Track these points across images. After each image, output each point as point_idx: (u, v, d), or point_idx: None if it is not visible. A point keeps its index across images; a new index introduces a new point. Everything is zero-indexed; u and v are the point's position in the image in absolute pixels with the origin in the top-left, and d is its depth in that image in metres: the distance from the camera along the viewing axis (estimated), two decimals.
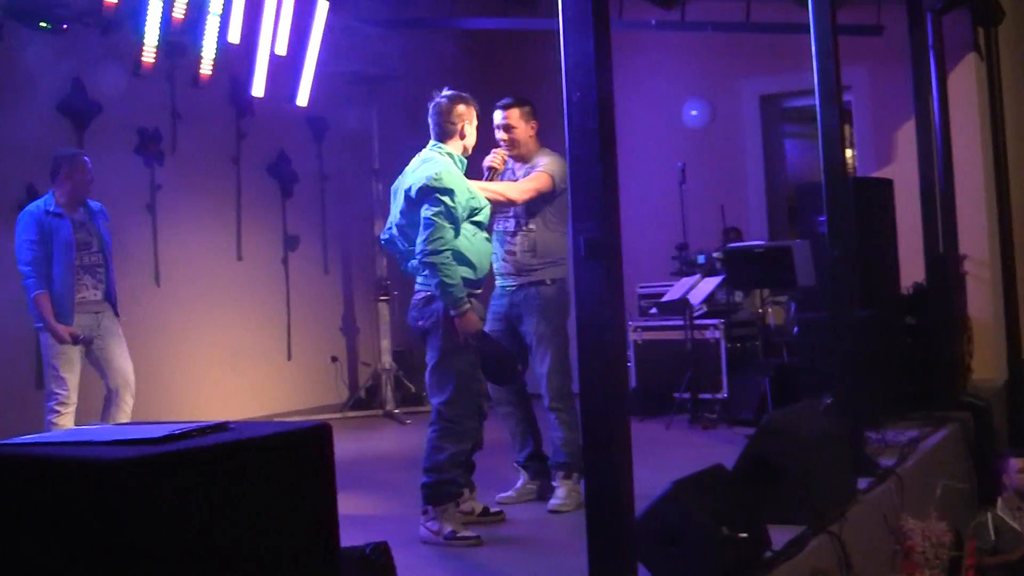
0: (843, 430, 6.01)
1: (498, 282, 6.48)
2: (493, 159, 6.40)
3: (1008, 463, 8.09)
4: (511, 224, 6.41)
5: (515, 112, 6.48)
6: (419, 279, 5.79)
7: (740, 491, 4.90)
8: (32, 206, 7.21)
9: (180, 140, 9.84)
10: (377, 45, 11.35)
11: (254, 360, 10.60)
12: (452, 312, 5.55)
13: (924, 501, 6.83)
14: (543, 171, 6.33)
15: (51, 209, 7.14)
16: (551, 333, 6.30)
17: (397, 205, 5.88)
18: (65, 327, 7.02)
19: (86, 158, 7.45)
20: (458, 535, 5.46)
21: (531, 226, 6.35)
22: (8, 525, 2.56)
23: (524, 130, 6.47)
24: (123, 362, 7.39)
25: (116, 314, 7.44)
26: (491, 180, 6.31)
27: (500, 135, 6.49)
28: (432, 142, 5.89)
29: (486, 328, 6.00)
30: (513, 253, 6.38)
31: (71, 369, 7.12)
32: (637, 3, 11.30)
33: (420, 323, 5.72)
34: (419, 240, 5.60)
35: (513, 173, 6.51)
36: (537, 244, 6.34)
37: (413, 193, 5.64)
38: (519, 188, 6.30)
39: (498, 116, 6.51)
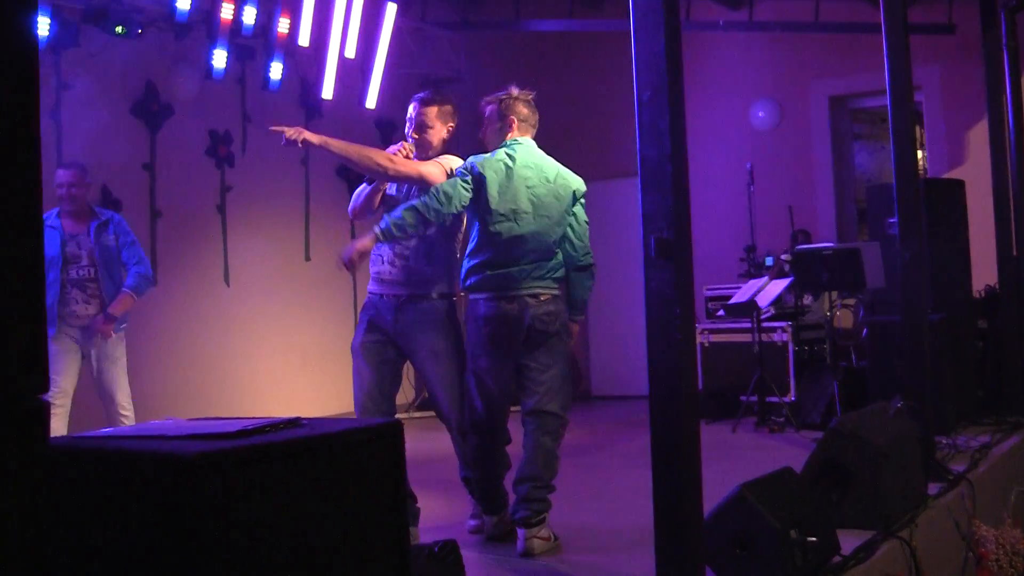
0: (914, 434, 5.94)
1: (376, 289, 5.59)
2: (399, 152, 5.54)
3: None
4: None
5: (433, 110, 5.68)
6: (543, 281, 5.36)
7: (809, 495, 4.86)
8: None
9: (250, 142, 9.96)
10: (444, 47, 11.41)
11: (322, 359, 10.68)
12: (577, 317, 5.49)
13: (997, 508, 6.73)
14: (439, 161, 5.58)
15: (48, 221, 7.02)
16: (452, 351, 5.53)
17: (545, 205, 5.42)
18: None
19: (60, 170, 7.20)
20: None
21: (431, 230, 5.38)
22: (83, 518, 2.59)
23: (438, 131, 5.69)
24: (113, 389, 7.19)
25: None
26: None
27: (410, 132, 5.67)
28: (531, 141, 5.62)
29: (361, 340, 5.62)
30: (406, 258, 5.46)
31: (59, 371, 6.95)
32: (705, 4, 11.26)
33: (546, 327, 5.32)
34: (583, 243, 5.49)
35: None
36: (433, 250, 5.48)
37: (580, 196, 5.52)
38: (393, 158, 5.46)
39: (411, 109, 5.69)
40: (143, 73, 9.04)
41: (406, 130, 5.74)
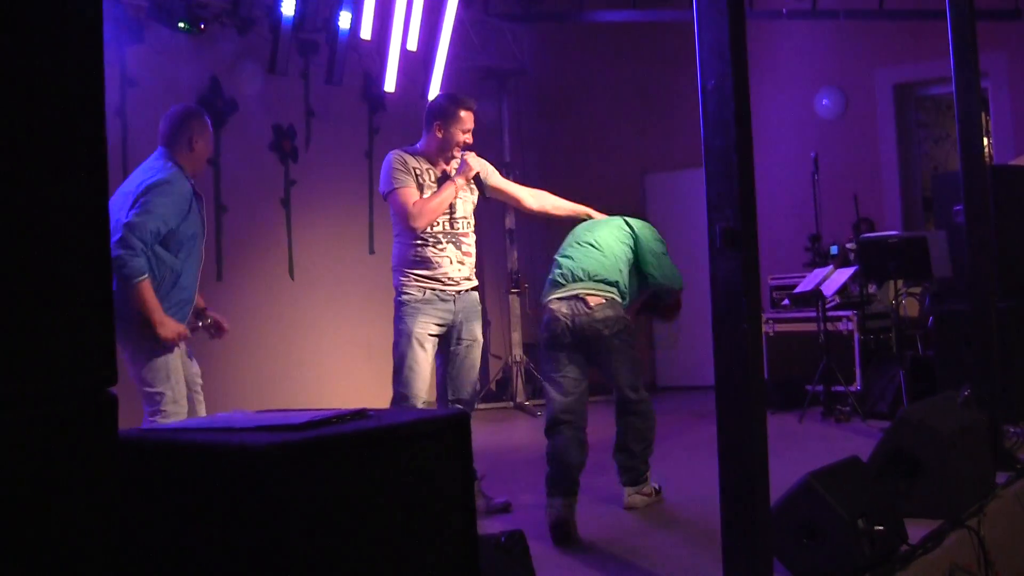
0: (982, 423, 5.89)
1: (444, 288, 6.10)
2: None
3: None
4: (466, 225, 6.18)
5: None
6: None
7: (876, 484, 4.83)
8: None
9: (314, 136, 10.03)
10: (507, 39, 11.43)
11: (386, 353, 10.72)
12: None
13: None
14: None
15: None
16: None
17: None
18: None
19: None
20: None
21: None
22: (153, 511, 2.62)
23: None
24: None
25: None
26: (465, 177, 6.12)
27: (467, 139, 6.18)
28: None
29: (431, 335, 6.16)
30: (471, 255, 6.18)
31: None
32: None
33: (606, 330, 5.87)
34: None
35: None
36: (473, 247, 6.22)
37: None
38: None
39: (471, 120, 6.17)
40: (207, 69, 9.13)
41: (461, 138, 6.11)
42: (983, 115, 10.25)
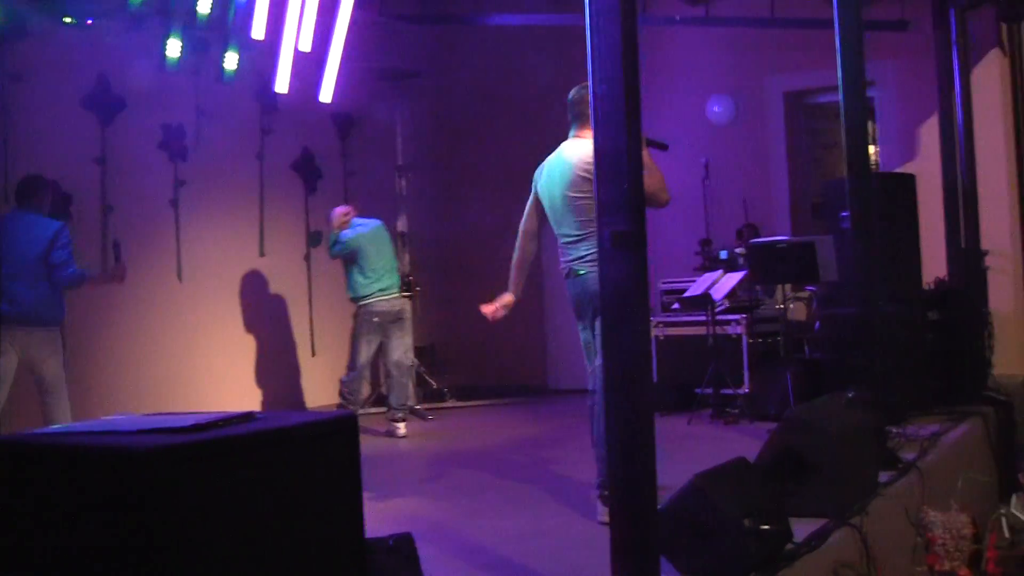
0: (866, 424, 6.00)
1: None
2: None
3: None
4: None
5: None
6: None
7: (763, 483, 4.90)
8: None
9: (204, 136, 9.89)
10: (403, 41, 11.39)
11: (277, 356, 10.66)
12: None
13: (946, 494, 6.82)
14: None
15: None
16: None
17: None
18: None
19: None
20: None
21: None
22: (38, 514, 2.58)
23: None
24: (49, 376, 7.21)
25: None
26: None
27: None
28: None
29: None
30: None
31: None
32: None
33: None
34: None
35: None
36: None
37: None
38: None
39: None
40: (95, 64, 8.97)
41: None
42: (869, 123, 10.47)
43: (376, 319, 9.43)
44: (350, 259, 9.42)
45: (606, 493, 5.41)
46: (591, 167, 5.35)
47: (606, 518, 5.69)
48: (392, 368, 9.59)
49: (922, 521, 6.28)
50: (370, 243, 9.47)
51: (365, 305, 9.40)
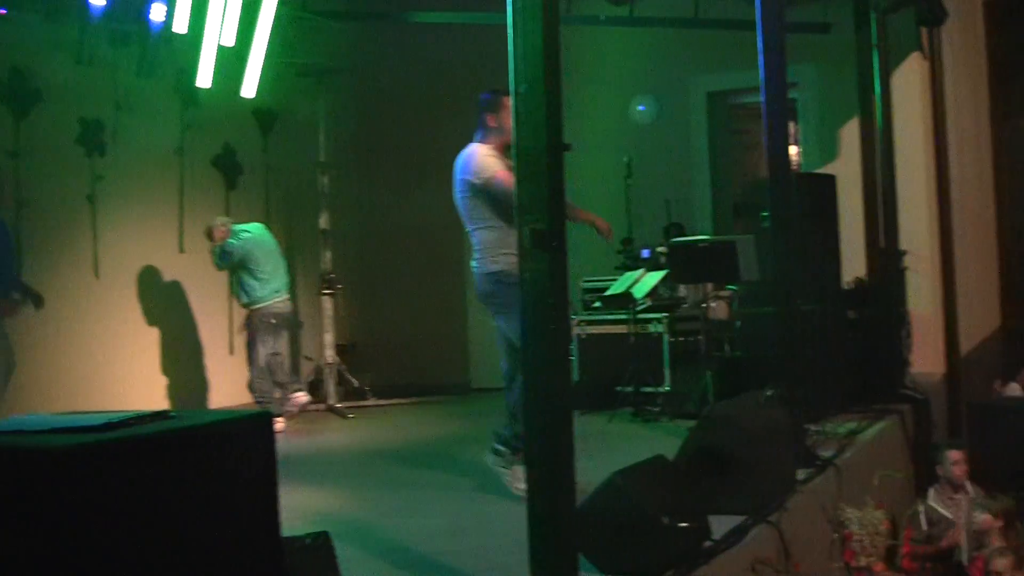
0: (784, 422, 6.07)
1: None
2: None
3: (945, 454, 8.21)
4: None
5: None
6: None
7: (681, 481, 4.93)
8: None
9: (123, 130, 9.74)
10: (326, 37, 11.32)
11: (196, 354, 10.54)
12: None
13: (862, 491, 6.92)
14: None
15: None
16: None
17: None
18: None
19: None
20: None
21: None
22: None
23: None
24: None
25: None
26: None
27: None
28: None
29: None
30: None
31: None
32: None
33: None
34: None
35: None
36: None
37: None
38: None
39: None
40: (10, 57, 8.80)
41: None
42: (791, 124, 10.58)
43: (274, 320, 9.48)
44: (239, 266, 9.43)
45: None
46: (466, 173, 6.17)
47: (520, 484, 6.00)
48: (270, 361, 9.54)
49: (839, 518, 6.36)
50: (257, 247, 9.51)
51: (261, 308, 9.42)
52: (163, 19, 8.91)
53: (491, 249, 6.19)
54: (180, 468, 2.70)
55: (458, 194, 6.29)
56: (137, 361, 9.89)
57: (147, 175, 10.13)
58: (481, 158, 6.25)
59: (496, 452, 6.34)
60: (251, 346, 9.58)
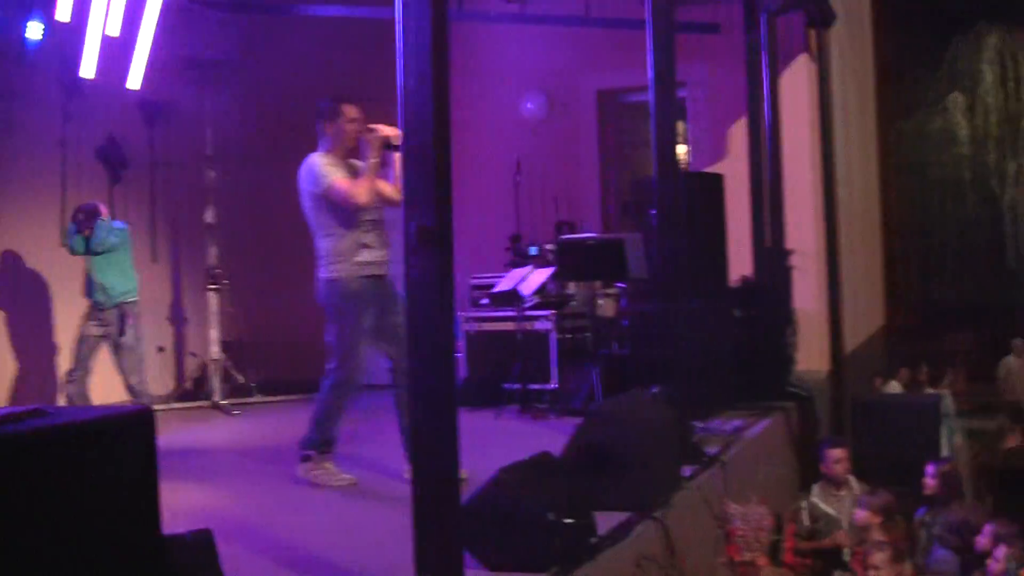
0: (670, 419, 6.12)
1: (376, 274, 6.51)
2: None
3: (827, 452, 8.36)
4: (382, 212, 6.54)
5: None
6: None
7: (567, 478, 4.95)
8: None
9: (2, 119, 9.50)
10: (215, 29, 11.17)
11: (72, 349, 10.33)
12: None
13: (747, 487, 7.01)
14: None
15: None
16: None
17: None
18: None
19: None
20: None
21: None
22: None
23: None
24: None
25: None
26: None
27: (358, 127, 6.55)
28: None
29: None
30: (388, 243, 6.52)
31: None
32: None
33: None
34: None
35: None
36: None
37: None
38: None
39: (355, 109, 6.61)
40: None
41: (350, 127, 6.60)
42: (679, 123, 10.69)
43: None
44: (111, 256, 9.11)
45: None
46: (306, 183, 6.44)
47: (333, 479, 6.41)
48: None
49: (723, 513, 6.44)
50: (124, 243, 9.24)
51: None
52: (45, 6, 8.72)
53: (326, 256, 6.42)
54: (55, 466, 2.63)
55: (303, 204, 6.48)
56: (16, 358, 9.67)
57: (27, 165, 9.89)
58: (319, 167, 6.41)
59: (305, 459, 6.55)
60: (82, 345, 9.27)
